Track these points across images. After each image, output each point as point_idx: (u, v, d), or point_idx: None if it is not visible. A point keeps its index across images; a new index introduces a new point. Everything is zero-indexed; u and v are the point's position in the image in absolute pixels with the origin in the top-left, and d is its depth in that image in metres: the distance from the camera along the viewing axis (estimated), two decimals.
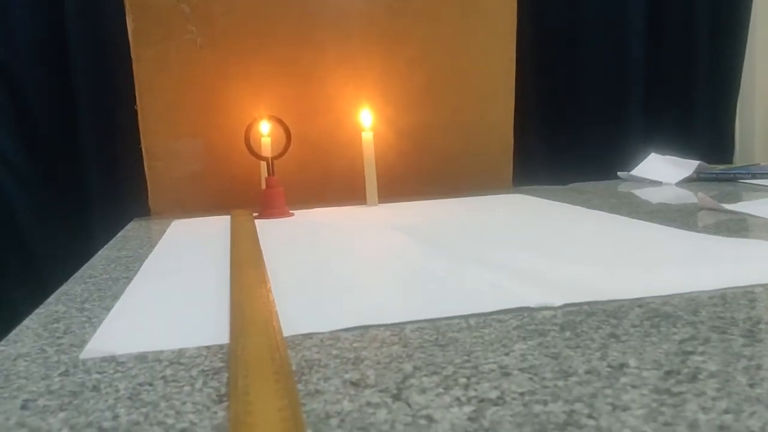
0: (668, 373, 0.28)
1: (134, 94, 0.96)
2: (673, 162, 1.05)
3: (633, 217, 0.70)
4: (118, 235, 0.80)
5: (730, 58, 1.52)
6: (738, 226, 0.63)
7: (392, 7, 0.99)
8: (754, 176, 0.97)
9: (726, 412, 0.24)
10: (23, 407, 0.28)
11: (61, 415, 0.27)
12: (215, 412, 0.27)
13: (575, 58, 1.44)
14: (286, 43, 0.96)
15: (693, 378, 0.28)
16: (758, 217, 0.67)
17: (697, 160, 1.05)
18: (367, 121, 0.92)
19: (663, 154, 1.10)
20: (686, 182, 1.01)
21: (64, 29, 1.20)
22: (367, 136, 0.92)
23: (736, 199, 0.80)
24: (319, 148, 0.98)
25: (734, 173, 1.00)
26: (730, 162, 1.42)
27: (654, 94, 1.49)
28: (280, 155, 0.89)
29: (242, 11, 0.95)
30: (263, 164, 0.90)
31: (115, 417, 0.27)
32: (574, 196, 0.91)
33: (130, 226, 0.88)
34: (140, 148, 0.96)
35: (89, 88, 1.22)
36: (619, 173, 1.11)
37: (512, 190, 1.04)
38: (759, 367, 0.29)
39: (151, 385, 0.30)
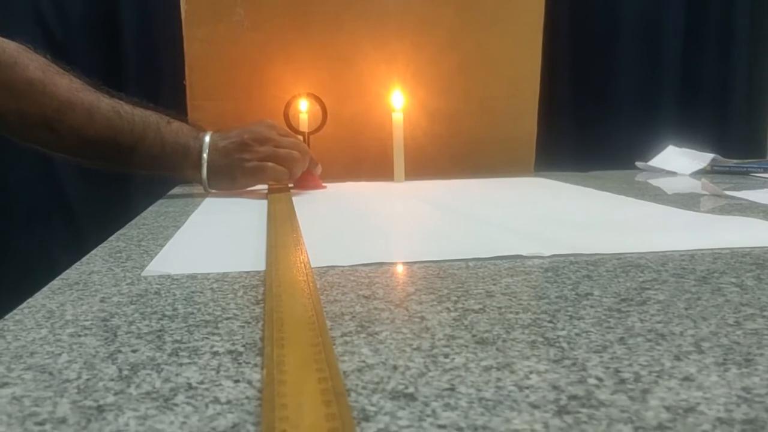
0: (623, 300, 0.35)
1: (179, 71, 1.04)
2: (689, 154, 1.10)
3: (638, 199, 0.76)
4: (165, 195, 0.87)
5: (766, 56, 1.55)
6: (732, 209, 0.68)
7: None
8: (766, 170, 1.01)
9: (658, 322, 0.31)
10: (102, 301, 0.36)
11: (132, 306, 0.35)
12: (253, 310, 0.34)
13: (610, 51, 1.49)
14: (325, 27, 1.03)
15: (642, 303, 0.34)
16: (755, 202, 0.71)
17: (722, 155, 1.10)
18: (398, 102, 0.98)
19: (690, 148, 1.14)
20: (700, 174, 1.05)
21: (117, 9, 1.29)
22: (398, 116, 0.98)
23: (742, 188, 0.84)
24: (352, 126, 1.05)
25: (747, 167, 1.04)
26: (763, 158, 1.45)
27: (687, 88, 1.53)
28: (317, 130, 0.96)
29: None
30: (300, 139, 0.97)
31: (175, 309, 0.34)
32: (589, 181, 0.96)
33: (174, 190, 0.95)
34: (186, 120, 1.04)
35: (137, 63, 1.31)
36: (637, 163, 1.16)
37: (533, 174, 1.09)
38: (699, 298, 0.35)
39: (201, 292, 0.38)
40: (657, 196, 0.82)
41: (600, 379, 0.24)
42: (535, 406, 0.22)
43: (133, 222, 0.64)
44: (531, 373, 0.25)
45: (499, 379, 0.24)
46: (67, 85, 0.74)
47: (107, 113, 0.75)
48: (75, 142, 0.76)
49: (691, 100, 1.53)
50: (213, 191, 0.82)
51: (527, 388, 0.23)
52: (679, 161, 1.09)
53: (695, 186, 0.92)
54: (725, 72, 1.54)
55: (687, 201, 0.76)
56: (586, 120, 1.46)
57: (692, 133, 1.30)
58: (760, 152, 1.54)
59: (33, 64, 0.73)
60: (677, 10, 1.50)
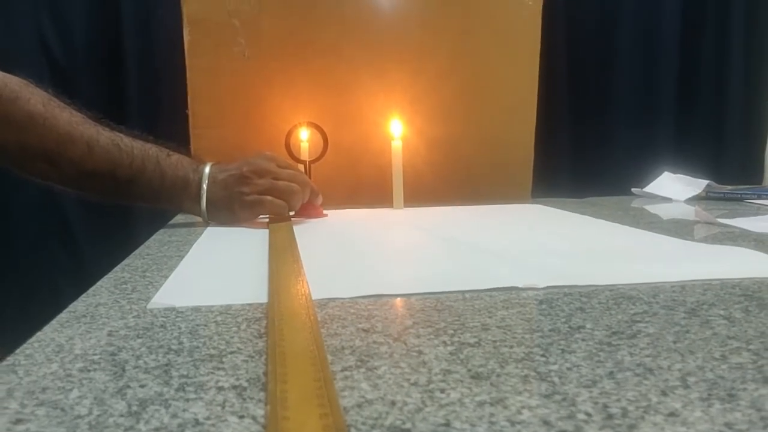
0: (614, 333, 0.36)
1: (181, 99, 1.05)
2: (684, 180, 1.11)
3: (633, 227, 0.77)
4: (168, 224, 0.88)
5: (762, 82, 1.57)
6: (725, 237, 0.69)
7: (422, 25, 1.08)
8: (759, 196, 1.02)
9: (647, 356, 0.32)
10: (109, 335, 0.37)
11: (139, 340, 0.36)
12: (256, 343, 0.35)
13: (607, 78, 1.51)
14: (325, 56, 1.05)
15: (632, 336, 0.35)
16: (747, 230, 0.73)
17: (719, 181, 1.13)
18: (396, 130, 1.00)
19: (685, 174, 1.16)
20: (695, 200, 1.07)
21: (120, 38, 1.31)
22: (396, 144, 1.00)
23: (736, 215, 0.86)
24: (352, 154, 1.07)
25: (741, 193, 1.06)
26: (759, 184, 1.47)
27: (684, 115, 1.55)
28: (318, 159, 0.98)
29: (286, 27, 1.04)
30: (301, 167, 0.99)
31: (180, 343, 0.35)
32: (586, 208, 0.98)
33: (177, 218, 0.97)
34: (188, 149, 1.05)
35: (140, 92, 1.33)
36: (632, 189, 1.17)
37: (530, 201, 1.11)
38: (687, 331, 0.36)
39: (206, 325, 0.39)
40: (651, 223, 0.83)
41: (589, 415, 0.25)
42: None
43: (137, 252, 0.66)
44: (523, 408, 0.26)
45: (492, 415, 0.25)
46: (67, 119, 0.75)
47: (107, 146, 0.76)
48: (74, 175, 0.77)
49: (688, 126, 1.55)
50: (212, 223, 0.83)
51: (519, 423, 0.24)
52: (674, 187, 1.10)
53: (689, 212, 0.94)
54: (722, 98, 1.56)
55: (681, 229, 0.77)
56: (583, 146, 1.48)
57: (689, 159, 1.32)
58: (757, 178, 1.56)
59: (34, 99, 0.74)
60: (673, 37, 1.53)
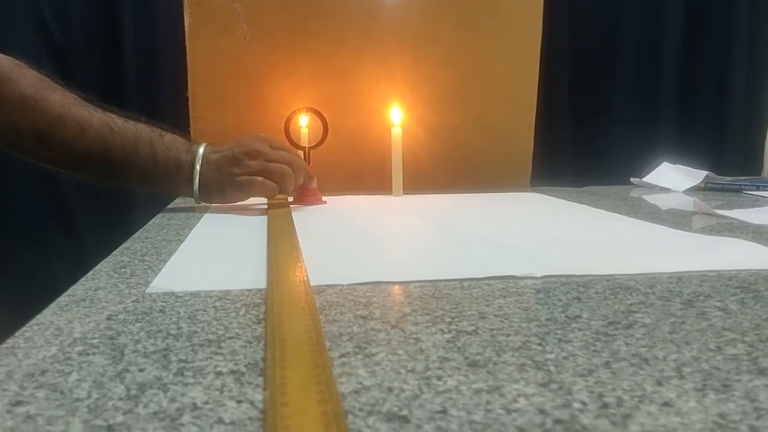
0: (611, 323, 0.36)
1: (179, 83, 1.05)
2: (683, 171, 1.11)
3: (631, 217, 0.77)
4: (167, 207, 0.88)
5: (763, 74, 1.57)
6: (723, 228, 0.70)
7: (424, 12, 1.07)
8: (758, 188, 1.03)
9: (643, 346, 0.32)
10: (108, 319, 0.37)
11: (138, 324, 0.36)
12: (255, 329, 0.35)
13: (608, 68, 1.51)
14: (326, 42, 1.05)
15: (628, 327, 0.35)
16: (745, 222, 0.73)
17: (719, 171, 1.13)
18: (396, 117, 1.00)
19: (685, 164, 1.16)
20: (694, 190, 1.07)
21: (118, 18, 1.30)
22: (396, 131, 1.00)
23: (734, 207, 0.86)
24: (352, 140, 1.06)
25: (740, 185, 1.06)
26: (758, 175, 1.47)
27: (684, 105, 1.55)
28: (317, 145, 0.98)
29: (288, 12, 1.04)
30: (300, 153, 0.99)
31: (179, 328, 0.35)
32: (585, 196, 0.98)
33: (175, 202, 0.97)
34: (187, 131, 1.05)
35: (138, 73, 1.33)
36: (631, 179, 1.17)
37: (529, 189, 1.11)
38: (683, 322, 0.36)
39: (204, 311, 0.39)
40: (650, 213, 0.83)
41: (584, 404, 0.25)
42: (521, 430, 0.23)
43: (136, 235, 0.66)
44: (519, 396, 0.26)
45: (488, 402, 0.25)
46: (59, 101, 0.75)
47: (99, 128, 0.76)
48: (67, 157, 0.76)
49: (688, 117, 1.55)
50: (205, 204, 0.83)
51: (515, 411, 0.25)
52: (672, 178, 1.10)
53: (688, 203, 0.94)
54: (722, 89, 1.56)
55: (679, 219, 0.77)
56: (583, 135, 1.48)
57: (688, 150, 1.32)
58: (756, 169, 1.56)
59: (25, 80, 0.74)
60: (675, 28, 1.52)
